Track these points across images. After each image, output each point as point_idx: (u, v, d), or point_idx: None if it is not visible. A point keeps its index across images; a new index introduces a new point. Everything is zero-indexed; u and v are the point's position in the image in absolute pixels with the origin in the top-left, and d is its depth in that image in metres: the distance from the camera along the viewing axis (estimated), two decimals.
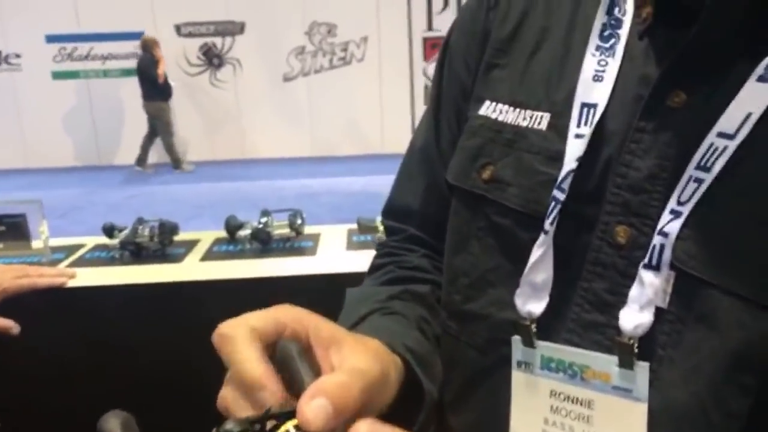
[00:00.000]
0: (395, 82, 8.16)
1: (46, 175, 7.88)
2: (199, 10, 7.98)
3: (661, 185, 0.43)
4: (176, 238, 1.61)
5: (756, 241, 0.39)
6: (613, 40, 0.49)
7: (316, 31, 8.05)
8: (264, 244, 1.59)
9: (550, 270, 0.48)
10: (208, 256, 1.56)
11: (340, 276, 1.45)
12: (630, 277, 0.44)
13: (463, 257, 0.55)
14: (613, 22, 0.49)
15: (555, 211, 0.47)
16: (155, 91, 7.54)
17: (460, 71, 0.59)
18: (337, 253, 1.58)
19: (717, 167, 0.41)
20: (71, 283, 1.43)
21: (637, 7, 0.48)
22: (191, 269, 1.51)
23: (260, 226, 1.59)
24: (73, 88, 8.31)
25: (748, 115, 0.40)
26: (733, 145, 0.41)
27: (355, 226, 1.72)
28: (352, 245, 1.62)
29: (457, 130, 0.60)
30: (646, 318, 0.43)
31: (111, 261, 1.55)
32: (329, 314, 0.45)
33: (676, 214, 0.42)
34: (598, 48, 0.49)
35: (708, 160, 0.41)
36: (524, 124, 0.51)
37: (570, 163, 0.47)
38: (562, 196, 0.47)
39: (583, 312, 0.47)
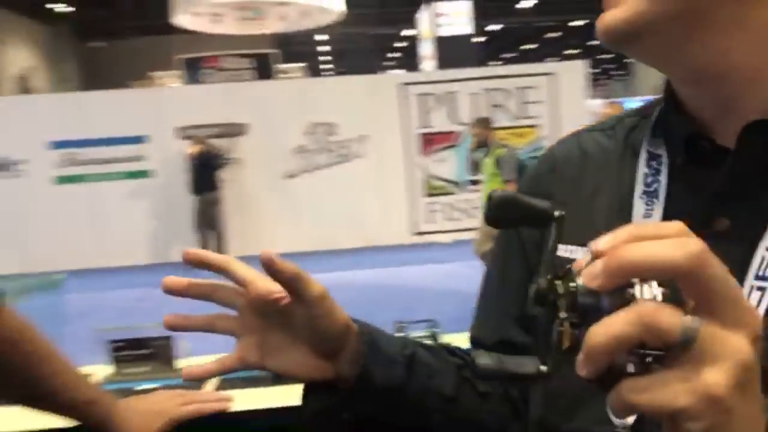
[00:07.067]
0: (393, 176, 8.38)
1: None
2: (200, 113, 8.18)
3: None
4: None
5: None
6: (655, 185, 0.58)
7: (315, 131, 8.32)
8: None
9: None
10: None
11: None
12: None
13: (559, 381, 0.60)
14: (652, 171, 0.59)
15: None
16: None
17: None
18: None
19: None
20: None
21: (671, 155, 0.58)
22: None
23: None
24: (77, 192, 8.27)
25: None
26: None
27: None
28: None
29: (526, 269, 0.68)
30: None
31: (256, 382, 1.52)
32: None
33: None
34: (644, 192, 0.58)
35: (764, 270, 0.48)
36: None
37: None
38: None
39: None
